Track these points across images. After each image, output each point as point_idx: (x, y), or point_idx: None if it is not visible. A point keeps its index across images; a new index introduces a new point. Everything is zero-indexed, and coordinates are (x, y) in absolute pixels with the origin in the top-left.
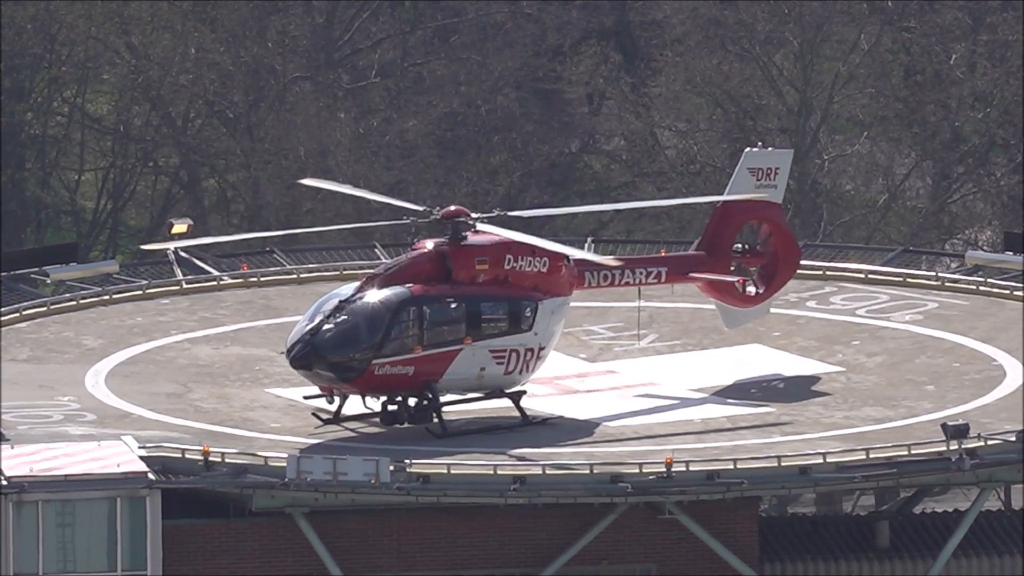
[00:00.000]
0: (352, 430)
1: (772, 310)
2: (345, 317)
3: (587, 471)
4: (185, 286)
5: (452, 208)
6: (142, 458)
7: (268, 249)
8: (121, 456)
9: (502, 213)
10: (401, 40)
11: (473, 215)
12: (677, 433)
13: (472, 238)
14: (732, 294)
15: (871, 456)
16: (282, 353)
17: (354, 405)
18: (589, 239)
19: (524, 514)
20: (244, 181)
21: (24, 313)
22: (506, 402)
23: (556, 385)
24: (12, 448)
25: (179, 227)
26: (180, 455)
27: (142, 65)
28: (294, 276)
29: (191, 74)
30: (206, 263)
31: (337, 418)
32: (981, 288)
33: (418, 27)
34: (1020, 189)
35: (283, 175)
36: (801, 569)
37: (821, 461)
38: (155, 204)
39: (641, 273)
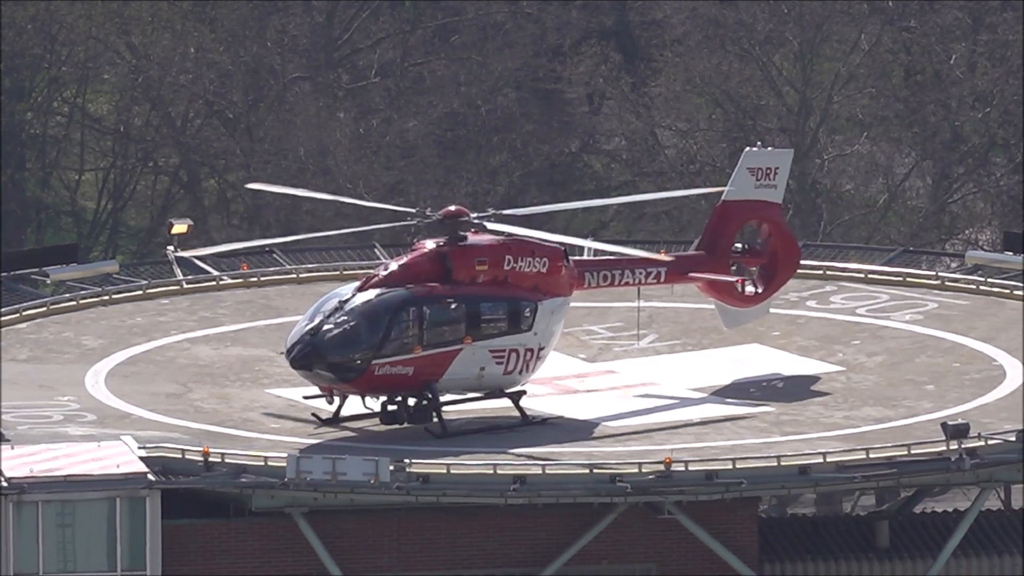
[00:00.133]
0: (352, 430)
1: (772, 310)
2: (345, 317)
3: (587, 471)
4: (185, 286)
5: (452, 208)
6: (142, 458)
7: (268, 249)
8: (121, 456)
9: (496, 213)
10: (401, 40)
11: (473, 216)
12: (677, 433)
13: (472, 238)
14: (732, 294)
15: (871, 456)
16: (282, 353)
17: (354, 405)
18: (589, 239)
19: (524, 514)
20: (244, 181)
21: (24, 313)
22: (506, 402)
23: (556, 385)
24: (12, 448)
25: (179, 227)
26: (180, 455)
27: (142, 65)
28: (294, 276)
29: (191, 74)
30: (206, 263)
31: (337, 418)
32: (981, 288)
33: (418, 27)
34: (1020, 189)
35: (283, 175)
36: (801, 569)
37: (821, 461)
38: (155, 204)
39: (641, 273)
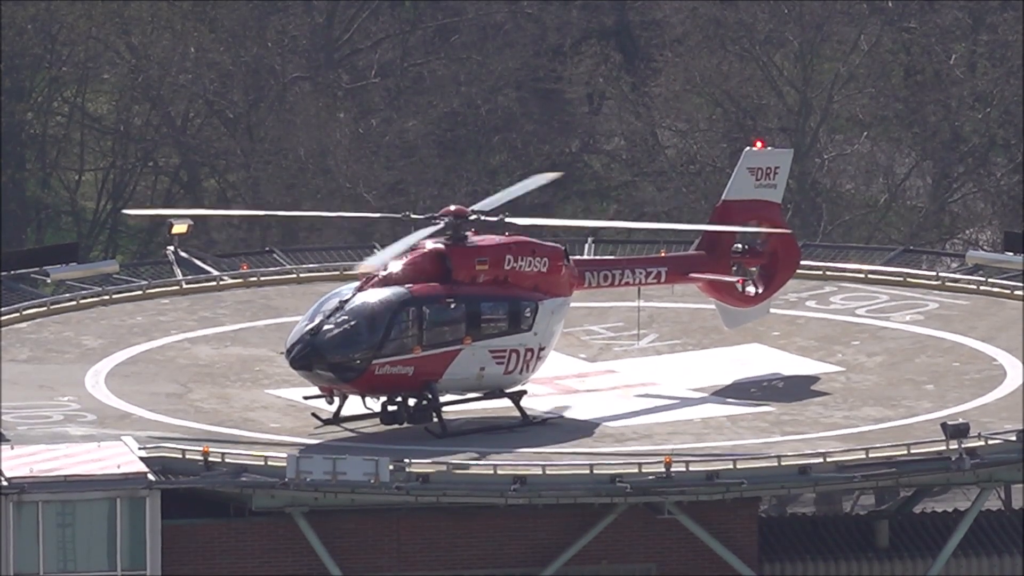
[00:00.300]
0: (351, 430)
1: (772, 310)
2: (345, 317)
3: (587, 471)
4: (185, 286)
5: (452, 208)
6: (142, 458)
7: (268, 249)
8: (121, 456)
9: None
10: (401, 40)
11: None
12: (677, 433)
13: (472, 238)
14: (732, 294)
15: (871, 456)
16: (282, 353)
17: (354, 405)
18: (590, 239)
19: (524, 514)
20: (244, 181)
21: (24, 313)
22: (506, 402)
23: (556, 385)
24: (12, 448)
25: (179, 227)
26: (180, 455)
27: (142, 65)
28: (294, 276)
29: (191, 74)
30: (206, 263)
31: (337, 418)
32: (981, 288)
33: (418, 27)
34: (1020, 189)
35: (283, 175)
36: (801, 569)
37: (821, 461)
38: (155, 204)
39: (641, 273)
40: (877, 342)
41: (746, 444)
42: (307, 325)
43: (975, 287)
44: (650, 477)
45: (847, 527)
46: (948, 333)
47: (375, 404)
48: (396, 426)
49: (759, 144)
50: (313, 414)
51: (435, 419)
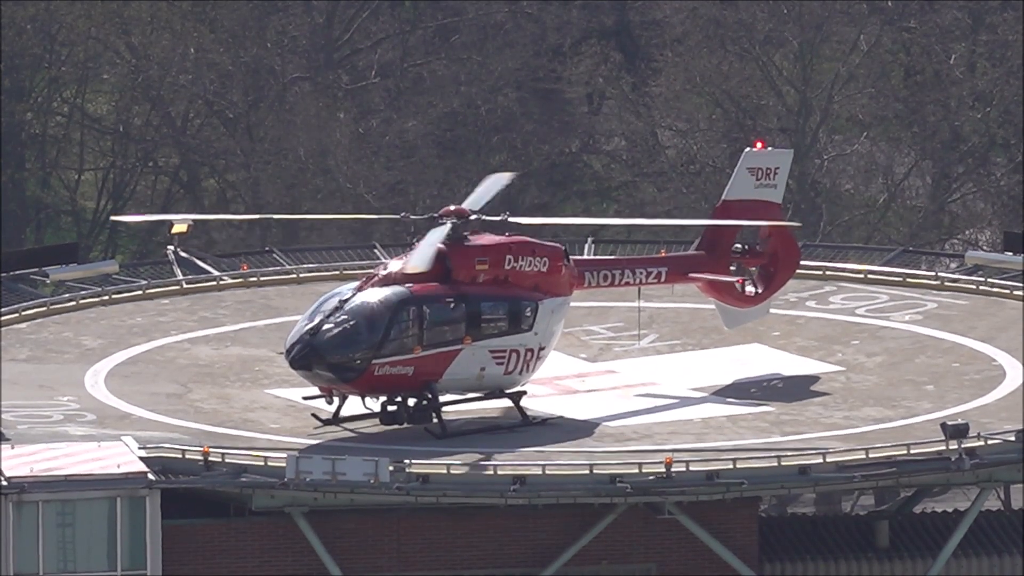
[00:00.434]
0: (351, 430)
1: (772, 310)
2: (345, 317)
3: (587, 471)
4: (185, 286)
5: (452, 208)
6: (142, 458)
7: (268, 249)
8: (121, 456)
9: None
10: (401, 40)
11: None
12: (677, 433)
13: (472, 238)
14: (732, 294)
15: (871, 456)
16: (281, 353)
17: (354, 405)
18: (590, 239)
19: (524, 514)
20: (244, 181)
21: (24, 313)
22: (506, 402)
23: (556, 385)
24: (12, 448)
25: (179, 227)
26: (180, 455)
27: (142, 65)
28: (294, 276)
29: (191, 74)
30: (206, 263)
31: (336, 419)
32: (981, 288)
33: (418, 27)
34: (1020, 189)
35: (283, 175)
36: (801, 569)
37: (821, 461)
38: (155, 204)
39: (641, 273)
40: (877, 342)
41: (746, 444)
42: (307, 325)
43: (975, 287)
44: (650, 477)
45: (847, 527)
46: (948, 333)
47: (375, 404)
48: (396, 426)
49: (759, 144)
50: (313, 414)
51: (435, 419)
